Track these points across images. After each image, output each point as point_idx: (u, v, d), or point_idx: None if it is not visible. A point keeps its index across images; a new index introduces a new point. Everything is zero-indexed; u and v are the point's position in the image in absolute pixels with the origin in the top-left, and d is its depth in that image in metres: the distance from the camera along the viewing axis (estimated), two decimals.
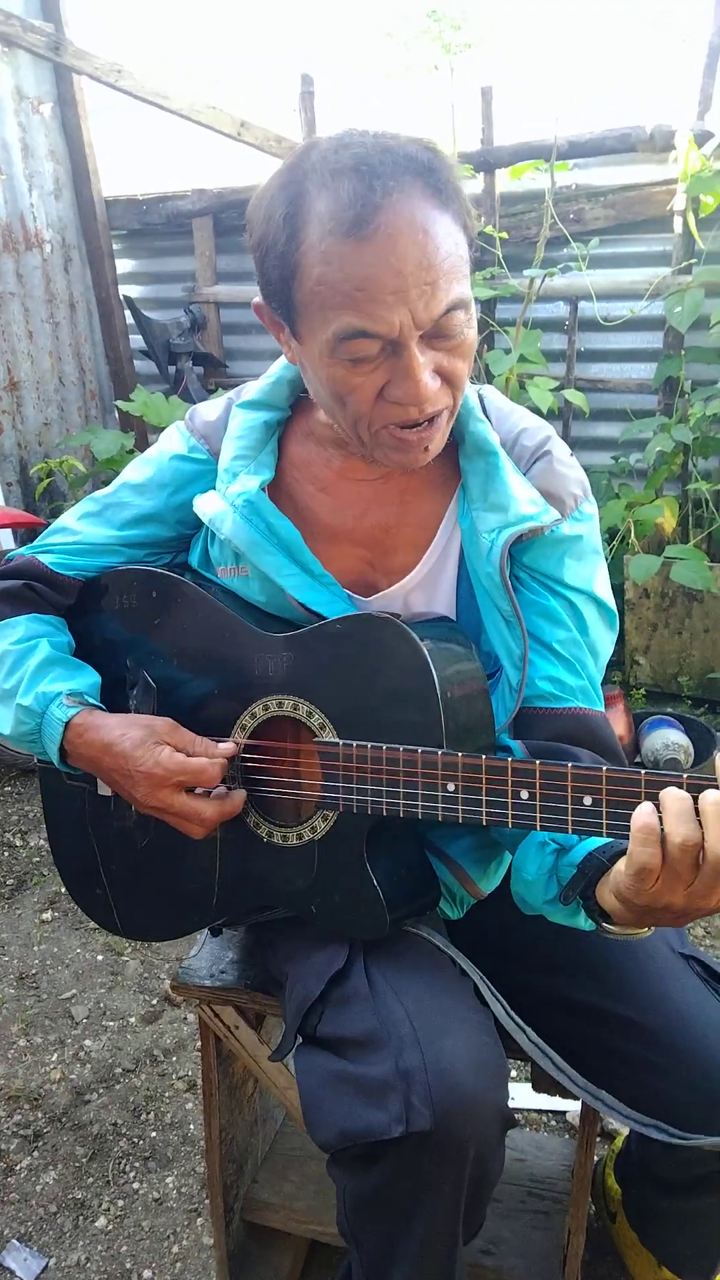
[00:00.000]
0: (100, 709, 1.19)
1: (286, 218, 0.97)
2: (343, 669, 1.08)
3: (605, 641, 1.19)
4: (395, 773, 1.02)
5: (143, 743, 1.11)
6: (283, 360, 1.20)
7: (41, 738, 1.17)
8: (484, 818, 0.98)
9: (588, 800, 0.93)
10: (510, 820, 0.96)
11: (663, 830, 0.86)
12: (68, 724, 1.15)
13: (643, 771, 0.90)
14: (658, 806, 0.87)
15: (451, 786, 0.99)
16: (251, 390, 1.23)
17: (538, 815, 0.95)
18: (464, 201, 0.99)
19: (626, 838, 0.89)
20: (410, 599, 1.19)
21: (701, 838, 0.85)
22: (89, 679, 1.22)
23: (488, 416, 1.17)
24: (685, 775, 0.88)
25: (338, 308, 0.96)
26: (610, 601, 1.19)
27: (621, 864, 0.91)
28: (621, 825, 0.91)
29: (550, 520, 1.11)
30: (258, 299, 1.08)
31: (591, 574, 1.16)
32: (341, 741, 1.06)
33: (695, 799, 0.86)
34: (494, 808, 0.97)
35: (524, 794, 0.95)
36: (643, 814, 0.87)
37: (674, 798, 0.87)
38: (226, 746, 1.14)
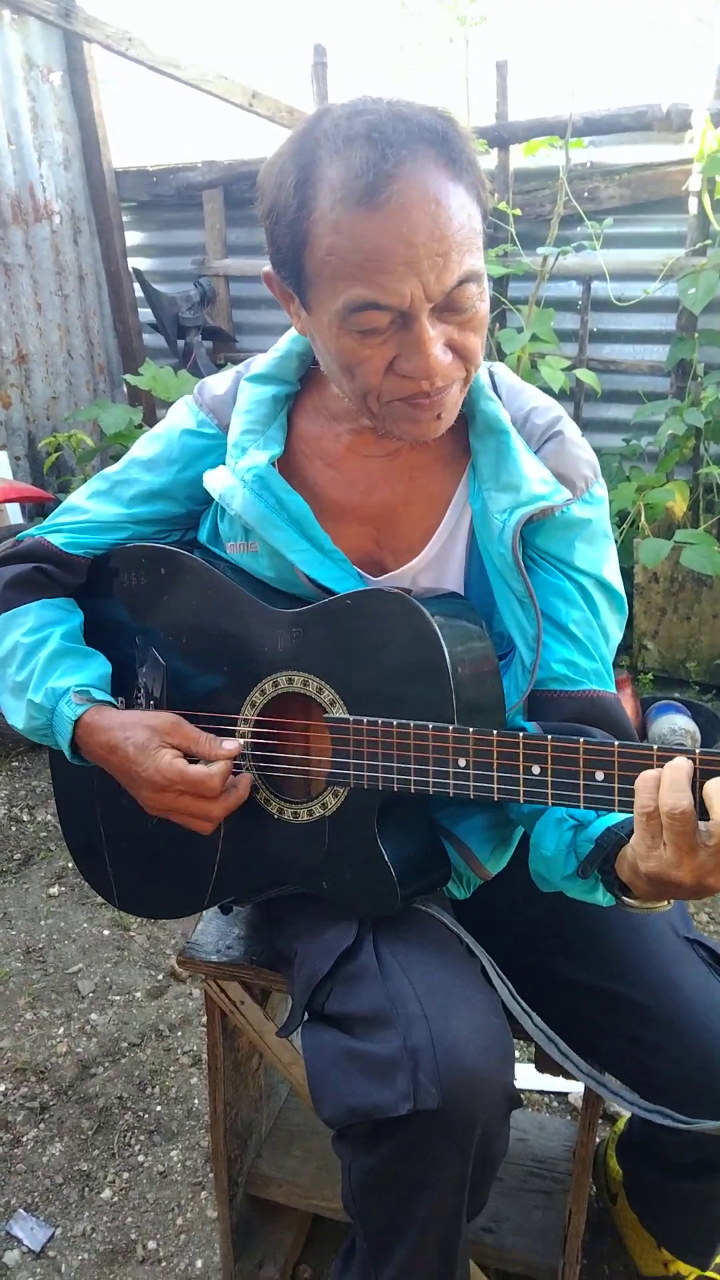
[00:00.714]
0: (110, 703, 1.19)
1: (298, 185, 0.96)
2: (353, 644, 1.08)
3: (614, 626, 1.19)
4: (406, 748, 1.02)
5: (145, 746, 1.11)
6: (291, 334, 1.19)
7: (54, 734, 1.18)
8: (495, 793, 0.98)
9: (600, 775, 0.93)
10: (522, 795, 0.97)
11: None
12: (77, 721, 1.16)
13: (655, 746, 0.90)
14: None
15: (463, 762, 0.99)
16: (260, 364, 1.21)
17: (549, 790, 0.95)
18: (478, 173, 0.98)
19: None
20: (419, 579, 1.19)
21: (690, 806, 0.84)
22: (98, 670, 1.22)
23: (498, 394, 1.16)
24: (698, 751, 0.88)
25: (348, 278, 0.94)
26: (619, 586, 1.19)
27: (632, 841, 0.92)
28: (633, 800, 0.91)
29: (562, 500, 1.10)
30: (267, 268, 1.07)
31: (601, 558, 1.16)
32: (352, 717, 1.06)
33: (696, 772, 0.86)
34: (505, 783, 0.97)
35: (535, 769, 0.95)
36: (647, 773, 0.88)
37: (670, 767, 0.87)
38: (231, 745, 1.13)
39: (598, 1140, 1.64)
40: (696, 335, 3.56)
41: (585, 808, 0.94)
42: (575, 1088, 1.87)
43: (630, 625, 3.56)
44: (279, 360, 1.20)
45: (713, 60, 3.63)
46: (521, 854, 1.26)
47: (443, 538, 1.17)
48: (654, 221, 3.77)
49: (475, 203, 0.97)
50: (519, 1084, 1.90)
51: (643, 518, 3.34)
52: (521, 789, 0.96)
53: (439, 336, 0.97)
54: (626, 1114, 1.75)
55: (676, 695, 3.17)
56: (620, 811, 0.93)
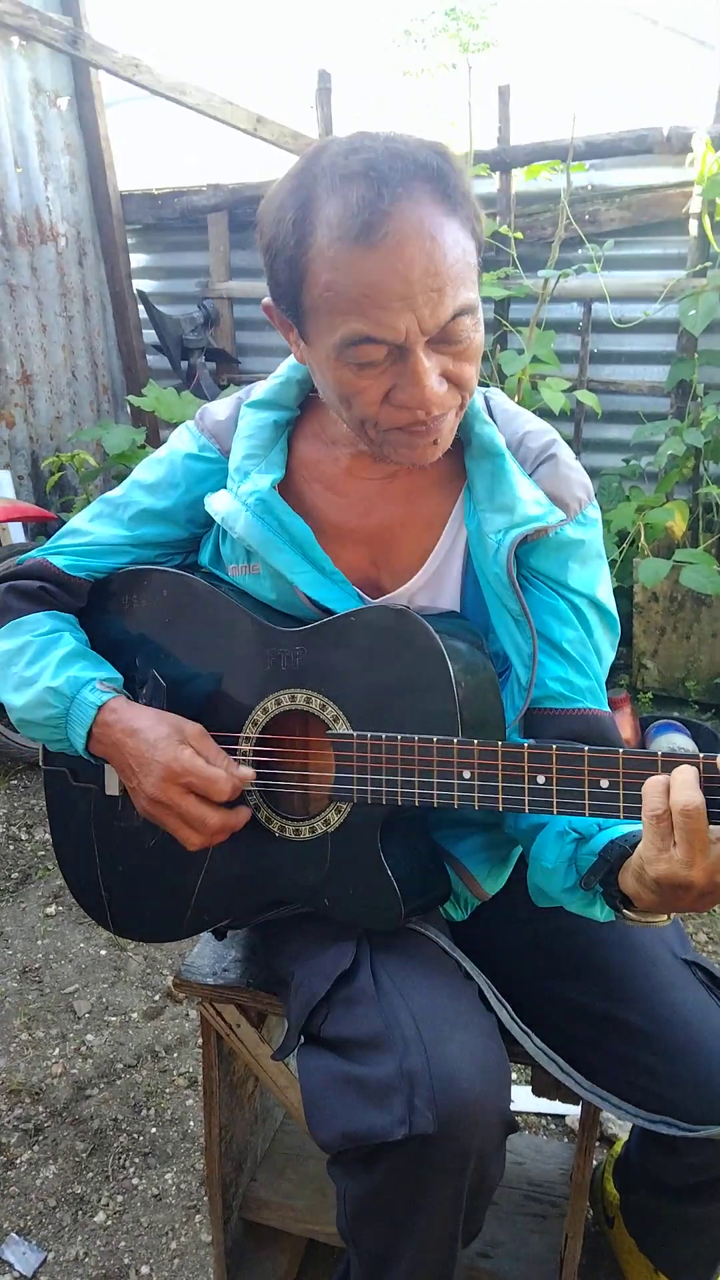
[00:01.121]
0: (132, 699, 1.20)
1: (296, 222, 0.98)
2: (356, 661, 1.09)
3: (607, 645, 1.20)
4: (410, 762, 1.03)
5: (169, 736, 1.13)
6: (291, 361, 1.21)
7: (68, 720, 1.18)
8: (500, 804, 0.98)
9: (604, 783, 0.93)
10: (527, 805, 0.97)
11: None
12: (103, 706, 1.16)
13: (659, 753, 0.91)
14: None
15: (467, 774, 0.99)
16: (260, 390, 1.24)
17: (554, 799, 0.96)
18: (473, 206, 0.99)
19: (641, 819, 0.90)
20: (415, 600, 1.20)
21: (703, 802, 0.86)
22: (113, 673, 1.23)
23: (493, 418, 1.18)
24: (702, 757, 0.89)
25: (345, 313, 0.96)
26: (612, 607, 1.20)
27: (640, 848, 0.92)
28: (638, 807, 0.91)
29: (556, 521, 1.11)
30: (267, 300, 1.09)
31: (595, 579, 1.17)
32: (356, 733, 1.06)
33: (704, 774, 0.88)
34: (510, 794, 0.98)
35: (540, 779, 0.96)
36: (652, 780, 0.90)
37: (678, 770, 0.89)
38: (246, 772, 1.14)
39: (594, 1163, 1.62)
40: (696, 356, 3.58)
41: (590, 815, 0.95)
42: (572, 1110, 1.86)
43: (629, 644, 3.56)
44: (279, 386, 1.22)
45: (713, 83, 3.66)
46: (518, 877, 1.26)
47: (439, 558, 1.19)
48: (654, 244, 3.80)
49: (470, 236, 0.98)
50: (515, 1107, 1.89)
51: (642, 537, 3.35)
52: (527, 799, 0.97)
53: (434, 368, 0.99)
54: (624, 1137, 1.74)
55: (676, 714, 3.17)
56: (625, 818, 0.94)
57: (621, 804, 0.93)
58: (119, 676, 1.23)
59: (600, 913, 1.06)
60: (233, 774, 1.13)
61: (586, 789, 0.94)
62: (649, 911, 0.99)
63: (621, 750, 0.93)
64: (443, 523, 1.19)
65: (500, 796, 0.98)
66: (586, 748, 0.95)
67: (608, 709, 1.18)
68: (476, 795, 1.00)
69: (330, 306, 0.97)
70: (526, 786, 0.97)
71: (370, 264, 0.93)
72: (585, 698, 1.15)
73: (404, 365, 0.98)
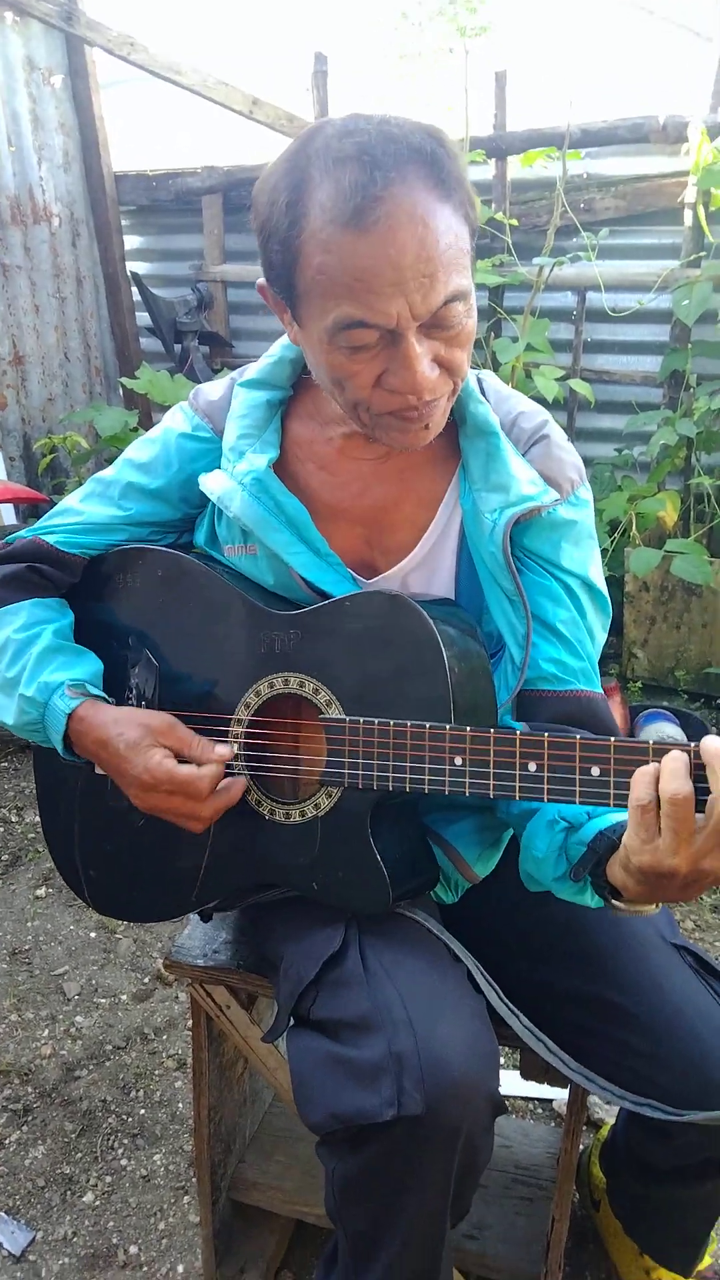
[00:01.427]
0: (103, 699, 1.19)
1: (289, 204, 0.98)
2: (350, 645, 1.09)
3: (599, 627, 1.21)
4: (403, 748, 1.03)
5: (137, 744, 1.12)
6: (284, 340, 1.21)
7: (45, 728, 1.18)
8: (491, 790, 0.99)
9: (595, 771, 0.94)
10: (518, 792, 0.98)
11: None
12: (70, 715, 1.16)
13: (650, 741, 0.92)
14: None
15: (459, 760, 1.00)
16: (254, 370, 1.23)
17: (545, 787, 0.96)
18: (467, 191, 0.99)
19: None
20: (410, 579, 1.20)
21: (691, 792, 0.87)
22: (91, 667, 1.22)
23: (486, 399, 1.18)
24: (693, 745, 0.90)
25: (337, 297, 0.96)
26: (603, 588, 1.21)
27: (625, 837, 0.93)
28: (628, 795, 0.92)
29: (550, 500, 1.12)
30: (261, 280, 1.09)
31: (586, 559, 1.18)
32: (349, 718, 1.07)
33: (693, 763, 0.89)
34: (501, 780, 0.98)
35: (532, 766, 0.97)
36: (643, 769, 0.90)
37: (669, 757, 0.89)
38: (223, 750, 1.14)
39: (581, 1147, 1.64)
40: (689, 346, 3.59)
41: (581, 803, 0.96)
42: (559, 1094, 1.87)
43: (620, 634, 3.57)
44: (272, 366, 1.22)
45: (709, 73, 3.65)
46: (509, 860, 1.27)
47: (433, 537, 1.19)
48: (649, 233, 3.80)
49: (463, 221, 0.98)
50: (503, 1090, 1.91)
51: (634, 527, 3.36)
52: (518, 786, 0.98)
53: (426, 353, 0.99)
54: (610, 1121, 1.76)
55: (665, 704, 3.18)
56: (615, 806, 0.95)
57: (612, 792, 0.94)
58: (92, 673, 1.21)
59: (590, 900, 1.07)
60: (208, 757, 1.13)
61: (578, 777, 0.95)
62: (636, 901, 1.01)
63: (613, 739, 0.94)
64: (437, 502, 1.19)
65: (491, 783, 0.99)
66: (579, 735, 0.95)
67: (601, 690, 1.18)
68: (468, 781, 1.00)
69: (323, 290, 0.98)
70: (518, 774, 0.98)
71: (362, 248, 0.93)
72: (578, 679, 1.16)
73: (395, 350, 0.99)
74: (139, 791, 1.12)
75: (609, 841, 1.00)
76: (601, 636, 1.22)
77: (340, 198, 0.93)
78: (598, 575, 1.20)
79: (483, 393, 1.19)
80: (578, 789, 0.95)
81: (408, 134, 0.96)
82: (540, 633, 1.15)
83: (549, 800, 0.97)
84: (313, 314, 1.01)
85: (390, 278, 0.94)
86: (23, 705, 1.18)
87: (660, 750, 0.91)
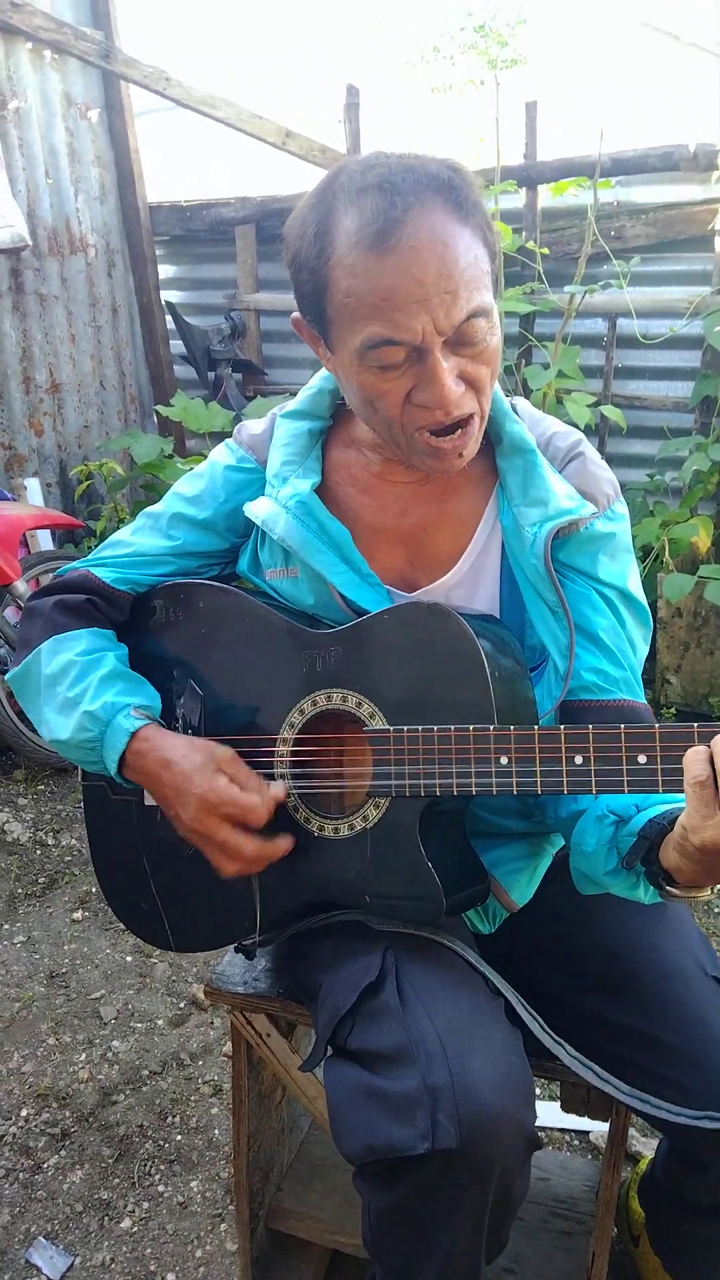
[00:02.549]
0: (164, 726, 1.22)
1: (317, 234, 1.04)
2: (390, 657, 1.11)
3: (640, 637, 1.23)
4: (448, 752, 1.05)
5: (203, 767, 1.14)
6: (323, 372, 1.25)
7: (103, 745, 1.20)
8: (539, 786, 1.00)
9: (642, 759, 0.95)
10: (565, 786, 0.99)
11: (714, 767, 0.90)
12: (134, 734, 1.18)
13: (695, 725, 0.93)
14: None
15: (505, 759, 1.01)
16: (294, 402, 1.29)
17: (593, 779, 0.97)
18: (484, 216, 1.05)
19: (682, 793, 0.92)
20: (452, 595, 1.23)
21: None
22: (153, 696, 1.25)
23: (521, 420, 1.22)
24: None
25: (365, 318, 1.01)
26: (643, 599, 1.23)
27: (683, 818, 0.93)
28: (676, 780, 0.93)
29: (588, 514, 1.15)
30: (296, 314, 1.14)
31: (624, 571, 1.21)
32: (392, 728, 1.08)
33: None
34: (548, 776, 0.99)
35: (578, 759, 0.98)
36: (695, 749, 0.92)
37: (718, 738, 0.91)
38: (279, 790, 1.16)
39: (620, 1181, 1.63)
40: None
41: (629, 792, 0.97)
42: (597, 1126, 1.86)
43: (653, 659, 3.56)
44: (312, 397, 1.27)
45: None
46: (545, 891, 1.27)
47: (474, 554, 1.22)
48: (680, 260, 3.81)
49: (482, 244, 1.04)
50: (541, 1122, 1.90)
51: (666, 552, 3.35)
52: (565, 780, 0.99)
53: (452, 369, 1.04)
54: (649, 1155, 1.74)
55: None
56: (664, 792, 0.96)
57: (660, 778, 0.95)
58: (155, 701, 1.24)
59: (645, 894, 1.08)
60: (266, 795, 1.15)
61: (625, 766, 0.96)
62: (691, 885, 1.01)
63: (658, 725, 0.96)
64: (477, 519, 1.23)
65: (539, 779, 1.00)
66: (623, 725, 0.97)
67: (644, 701, 1.20)
68: (515, 780, 1.01)
69: (351, 312, 1.03)
70: (564, 768, 0.99)
71: (386, 268, 0.99)
72: (620, 688, 1.18)
73: (422, 366, 1.03)
74: (197, 811, 1.13)
75: (659, 827, 1.01)
76: (643, 648, 1.24)
77: (364, 223, 0.99)
78: (636, 587, 1.22)
79: (517, 414, 1.23)
80: (625, 778, 0.96)
81: (426, 165, 1.03)
82: (582, 643, 1.17)
83: (597, 792, 0.98)
84: (343, 338, 1.06)
85: (414, 295, 0.99)
86: (84, 721, 1.19)
87: (706, 733, 0.92)
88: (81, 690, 1.21)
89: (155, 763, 1.17)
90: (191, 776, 1.14)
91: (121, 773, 1.21)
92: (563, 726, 1.00)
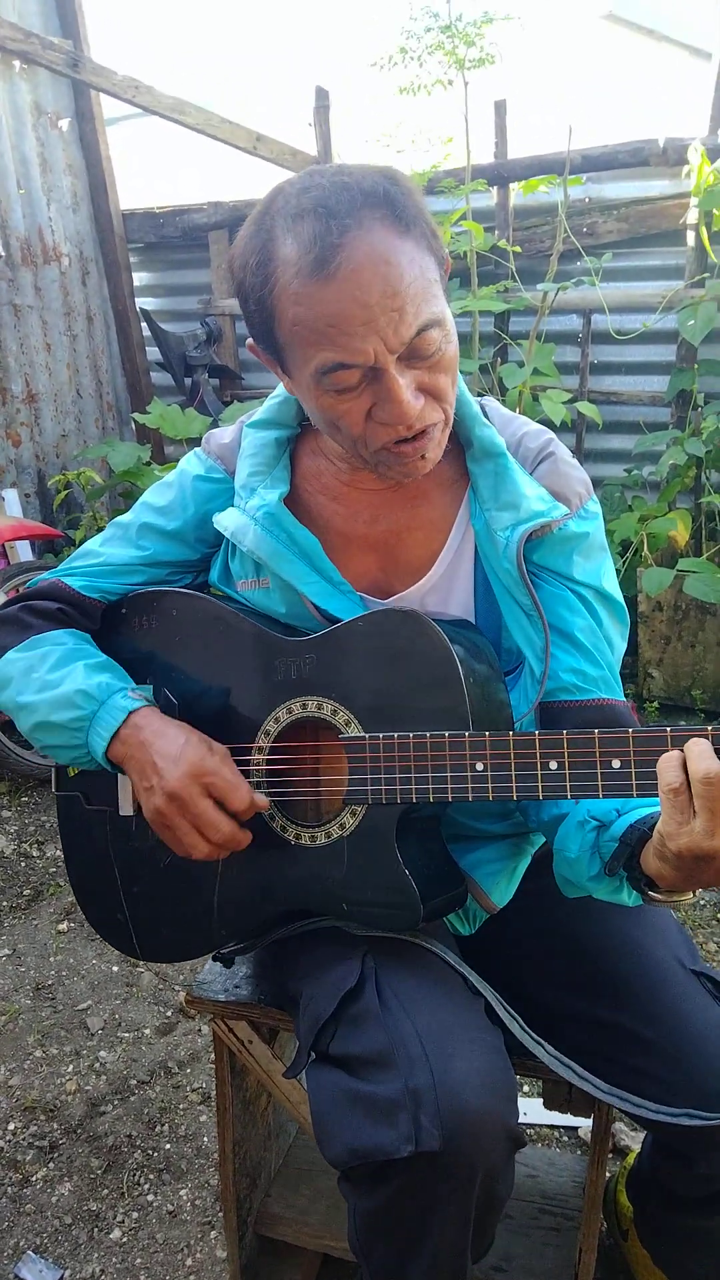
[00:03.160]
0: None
1: (259, 264, 1.03)
2: (365, 664, 1.11)
3: (618, 635, 1.23)
4: (424, 759, 1.05)
5: (199, 744, 1.15)
6: None
7: (93, 721, 1.18)
8: (515, 792, 1.00)
9: (616, 763, 0.96)
10: (541, 791, 0.99)
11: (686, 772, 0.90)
12: (133, 711, 1.17)
13: (668, 729, 0.93)
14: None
15: (480, 765, 1.02)
16: (260, 411, 1.28)
17: (568, 783, 0.98)
18: (427, 224, 1.03)
19: (656, 795, 0.92)
20: (426, 601, 1.22)
21: None
22: (144, 688, 1.24)
23: (491, 423, 1.21)
24: (711, 729, 0.91)
25: (314, 344, 1.01)
26: (619, 596, 1.23)
27: (659, 825, 0.93)
28: (650, 784, 0.93)
29: (560, 516, 1.15)
30: (250, 340, 1.13)
31: (599, 570, 1.20)
32: (369, 735, 1.08)
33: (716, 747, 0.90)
34: (524, 781, 0.99)
35: (553, 764, 0.98)
36: (668, 755, 0.92)
37: (692, 741, 0.91)
38: (263, 799, 1.15)
39: (608, 1176, 1.63)
40: (696, 366, 3.60)
41: (604, 796, 0.97)
42: (584, 1122, 1.86)
43: (635, 654, 3.57)
44: (278, 406, 1.26)
45: (707, 94, 3.69)
46: (525, 890, 1.27)
47: (448, 559, 1.21)
48: (652, 255, 3.83)
49: (427, 252, 1.02)
50: (527, 1119, 1.90)
51: (645, 547, 3.36)
52: (540, 785, 0.99)
53: (409, 384, 1.03)
54: (636, 1149, 1.75)
55: (683, 723, 3.17)
56: (638, 796, 0.96)
57: (634, 782, 0.95)
58: (148, 693, 1.24)
59: (628, 898, 1.08)
60: (252, 796, 1.15)
61: (599, 770, 0.96)
62: (673, 890, 1.01)
63: (631, 730, 0.96)
64: (449, 524, 1.22)
65: (514, 785, 1.00)
66: (597, 730, 0.97)
67: (623, 699, 1.20)
68: (490, 786, 1.01)
69: (301, 340, 1.02)
70: (540, 773, 0.99)
71: (329, 295, 0.98)
72: (599, 687, 1.17)
73: (379, 385, 1.02)
74: (182, 775, 1.12)
75: (640, 833, 1.01)
76: (620, 644, 1.23)
77: (302, 251, 0.98)
78: (612, 585, 1.22)
79: (487, 417, 1.22)
80: (600, 783, 0.96)
81: (360, 180, 1.00)
82: (559, 644, 1.17)
83: (572, 796, 0.98)
84: (297, 363, 1.05)
85: (360, 317, 0.98)
86: (73, 699, 1.18)
87: (679, 737, 0.92)
88: (67, 672, 1.20)
89: (151, 733, 1.16)
90: (185, 748, 1.14)
91: (108, 752, 1.19)
92: (537, 732, 1.00)
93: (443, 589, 1.22)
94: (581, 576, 1.18)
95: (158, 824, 1.16)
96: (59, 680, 1.20)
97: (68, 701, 1.18)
